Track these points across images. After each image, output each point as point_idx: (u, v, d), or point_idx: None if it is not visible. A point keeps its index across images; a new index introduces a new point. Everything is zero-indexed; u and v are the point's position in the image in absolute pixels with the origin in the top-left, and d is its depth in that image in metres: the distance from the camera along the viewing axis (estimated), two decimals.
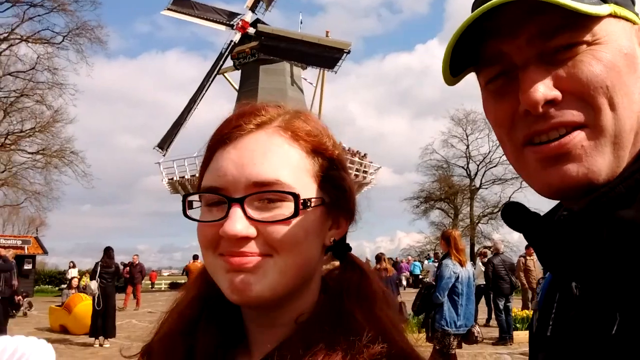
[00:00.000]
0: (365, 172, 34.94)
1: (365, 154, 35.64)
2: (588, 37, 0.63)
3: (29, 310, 18.50)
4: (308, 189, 0.75)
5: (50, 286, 33.73)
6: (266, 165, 0.72)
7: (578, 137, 0.62)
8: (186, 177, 32.81)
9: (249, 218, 0.70)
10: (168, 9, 36.20)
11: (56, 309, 14.55)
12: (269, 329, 0.78)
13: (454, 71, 0.70)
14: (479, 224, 44.38)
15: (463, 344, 6.70)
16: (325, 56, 34.25)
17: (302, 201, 0.72)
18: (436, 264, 10.96)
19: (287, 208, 0.72)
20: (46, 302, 19.40)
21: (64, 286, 20.63)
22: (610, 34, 0.64)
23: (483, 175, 43.94)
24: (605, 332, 0.59)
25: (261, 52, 34.79)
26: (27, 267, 26.33)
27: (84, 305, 12.95)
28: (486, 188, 44.59)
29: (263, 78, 35.47)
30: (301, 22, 39.88)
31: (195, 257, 18.29)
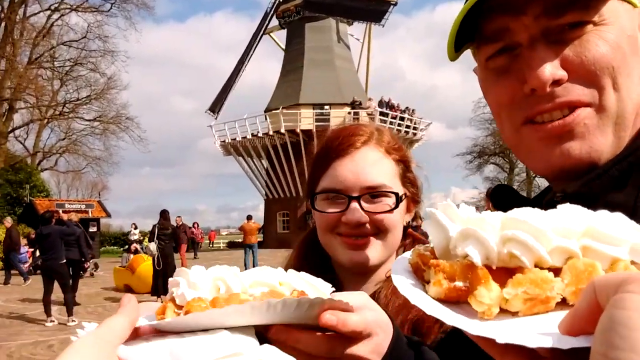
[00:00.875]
0: (415, 128, 34.37)
1: (413, 110, 34.96)
2: (595, 17, 0.62)
3: (95, 271, 19.48)
4: (398, 188, 1.08)
5: (115, 247, 35.39)
6: (374, 173, 1.05)
7: (582, 115, 0.62)
8: (237, 138, 33.23)
9: (363, 210, 1.02)
10: None
11: (120, 270, 15.26)
12: (365, 285, 1.10)
13: (455, 46, 0.70)
14: (536, 178, 43.12)
15: None
16: (372, 9, 33.42)
17: (400, 197, 1.06)
18: None
19: (389, 202, 1.04)
20: (111, 263, 20.39)
21: (125, 248, 21.58)
22: (615, 15, 0.64)
23: None
24: None
25: (306, 9, 34.28)
26: (92, 229, 27.60)
27: (145, 266, 13.53)
28: None
29: (309, 36, 35.02)
30: None
31: (249, 218, 18.64)
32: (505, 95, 0.67)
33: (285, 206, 33.47)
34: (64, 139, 37.01)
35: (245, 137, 32.85)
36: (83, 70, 35.58)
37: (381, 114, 31.74)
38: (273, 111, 32.45)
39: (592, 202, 0.59)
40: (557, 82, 0.62)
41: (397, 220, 1.07)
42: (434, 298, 0.42)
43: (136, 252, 18.10)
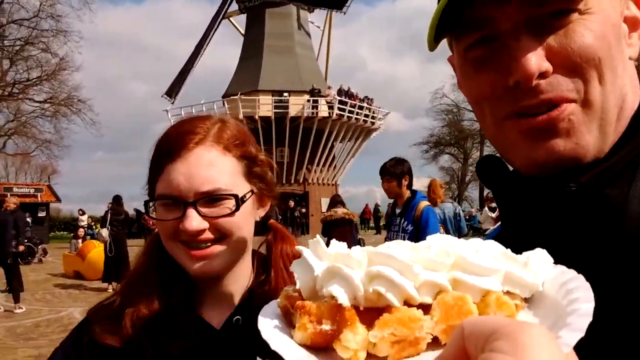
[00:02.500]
0: (373, 117, 34.66)
1: (372, 99, 35.23)
2: (580, 5, 0.60)
3: (43, 257, 18.99)
4: (241, 186, 1.01)
5: (65, 232, 34.50)
6: (209, 176, 0.96)
7: (567, 111, 0.60)
8: None
9: (201, 215, 0.95)
10: None
11: (70, 256, 14.94)
12: (222, 293, 1.06)
13: (435, 36, 0.67)
14: None
15: None
16: None
17: (240, 198, 0.99)
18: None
19: (229, 204, 0.97)
20: (61, 249, 19.88)
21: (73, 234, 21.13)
22: (600, 3, 0.62)
23: None
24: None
25: None
26: (41, 214, 26.83)
27: (96, 252, 13.28)
28: None
29: (269, 22, 34.70)
30: None
31: None
32: (486, 87, 0.64)
33: None
34: (12, 121, 35.57)
35: None
36: (34, 50, 34.16)
37: (340, 102, 31.85)
38: (231, 97, 32.12)
39: (605, 192, 0.60)
40: (542, 75, 0.60)
41: (242, 221, 0.99)
42: (299, 344, 0.37)
43: (84, 238, 17.70)
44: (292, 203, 18.09)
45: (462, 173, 46.10)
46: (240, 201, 0.98)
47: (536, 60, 0.59)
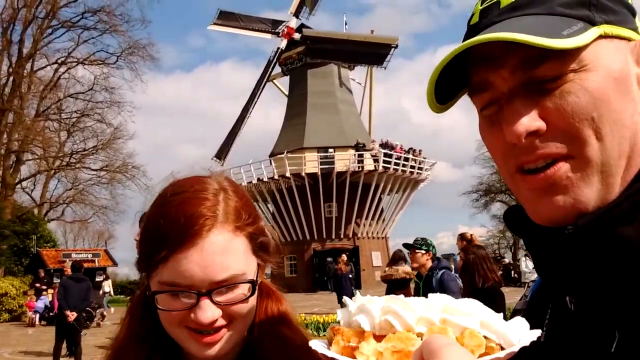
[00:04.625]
0: (420, 168, 34.50)
1: (420, 150, 35.20)
2: (574, 65, 0.60)
3: (101, 321, 19.27)
4: (252, 264, 0.93)
5: (122, 296, 35.11)
6: (224, 264, 0.87)
7: (563, 169, 0.61)
8: (243, 183, 33.31)
9: (215, 304, 0.88)
10: (214, 24, 37.09)
11: None
12: None
13: (446, 95, 0.70)
14: None
15: None
16: (373, 53, 34.10)
17: (255, 281, 0.92)
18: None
19: (244, 288, 0.90)
20: (118, 313, 20.16)
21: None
22: (599, 58, 0.61)
23: None
24: (604, 350, 0.60)
25: (307, 56, 35.02)
26: (99, 279, 27.49)
27: None
28: None
29: (311, 81, 35.66)
30: (346, 24, 39.78)
31: None
32: (496, 144, 0.67)
33: (292, 250, 33.29)
34: (70, 189, 37.27)
35: (250, 182, 33.01)
36: (90, 121, 36.17)
37: (385, 155, 31.94)
38: (278, 156, 32.72)
39: (602, 235, 0.61)
40: (535, 133, 0.61)
41: (253, 303, 0.93)
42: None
43: None
44: (344, 258, 17.88)
45: None
46: (255, 284, 0.91)
47: (526, 120, 0.61)
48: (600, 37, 0.61)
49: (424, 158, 35.16)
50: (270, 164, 32.75)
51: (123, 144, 36.51)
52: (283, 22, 36.06)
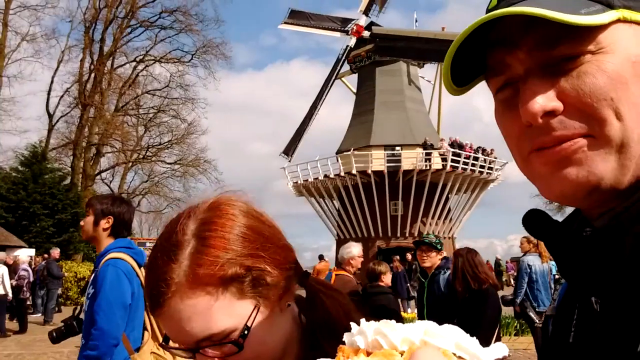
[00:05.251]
0: (490, 168, 33.62)
1: (491, 150, 34.28)
2: (591, 47, 0.60)
3: None
4: (242, 310, 0.82)
5: None
6: (195, 330, 0.80)
7: (579, 143, 0.61)
8: (309, 180, 33.77)
9: (210, 357, 0.82)
10: (285, 23, 37.62)
11: None
12: None
13: (463, 79, 0.70)
14: None
15: None
16: (443, 50, 33.06)
17: (241, 336, 0.81)
18: None
19: (234, 342, 0.81)
20: None
21: None
22: (617, 41, 0.61)
23: None
24: (630, 350, 0.59)
25: (376, 54, 34.89)
26: None
27: None
28: None
29: (379, 79, 35.50)
30: (416, 21, 39.32)
31: (321, 257, 18.80)
32: (511, 128, 0.67)
33: None
34: (146, 181, 39.14)
35: (317, 179, 33.33)
36: (165, 117, 37.79)
37: (454, 154, 31.37)
38: (344, 153, 32.84)
39: (621, 236, 0.61)
40: (551, 113, 0.61)
41: (258, 342, 0.84)
42: None
43: None
44: (409, 256, 17.78)
45: None
46: (245, 332, 0.81)
47: (542, 99, 0.60)
48: (619, 20, 0.61)
49: (495, 158, 34.21)
50: (337, 160, 32.90)
51: (196, 139, 37.97)
52: (352, 20, 36.09)
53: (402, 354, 0.60)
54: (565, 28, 0.58)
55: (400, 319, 0.68)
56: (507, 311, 9.61)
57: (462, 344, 0.61)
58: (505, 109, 0.67)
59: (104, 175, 37.75)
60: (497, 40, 0.64)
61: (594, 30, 0.60)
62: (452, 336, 0.61)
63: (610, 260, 0.61)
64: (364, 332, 0.63)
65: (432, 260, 4.97)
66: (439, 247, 4.99)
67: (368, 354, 0.62)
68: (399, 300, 15.36)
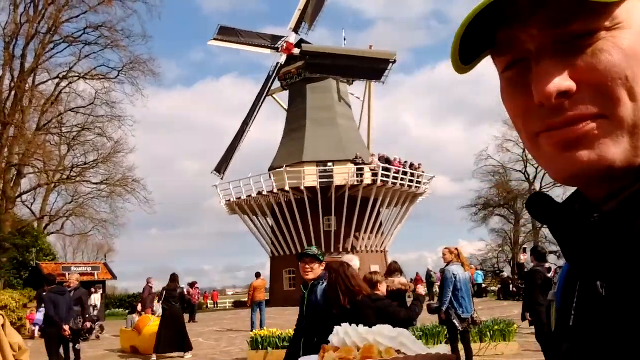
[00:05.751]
0: (418, 182, 34.69)
1: (419, 165, 35.40)
2: (607, 22, 0.58)
3: (100, 333, 19.32)
4: None
5: (121, 309, 35.06)
6: None
7: (591, 125, 0.59)
8: (242, 197, 33.52)
9: None
10: (214, 39, 37.39)
11: (127, 331, 15.17)
12: None
13: (468, 56, 0.68)
14: (542, 228, 43.01)
15: None
16: (371, 68, 34.41)
17: None
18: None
19: None
20: (117, 325, 20.21)
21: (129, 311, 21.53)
22: (633, 16, 0.59)
23: (543, 178, 42.53)
24: (636, 333, 0.58)
25: (307, 71, 35.35)
26: (99, 292, 27.53)
27: (153, 326, 13.47)
28: (547, 190, 43.14)
29: (310, 96, 35.95)
30: (344, 39, 40.12)
31: (258, 275, 18.66)
32: (519, 108, 0.65)
33: (291, 263, 33.33)
34: (70, 202, 37.38)
35: (250, 196, 33.13)
36: (90, 135, 36.36)
37: (384, 169, 32.14)
38: (277, 170, 32.90)
39: (630, 221, 0.60)
40: (565, 94, 0.59)
41: None
42: None
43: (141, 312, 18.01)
44: None
45: (514, 234, 44.94)
46: None
47: (556, 80, 0.59)
48: None
49: (423, 172, 35.36)
50: (270, 177, 32.92)
51: (123, 157, 36.67)
52: (282, 37, 36.40)
53: (359, 349, 0.81)
54: (579, 3, 0.57)
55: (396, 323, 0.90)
56: (434, 319, 9.95)
57: (406, 343, 0.80)
58: (513, 87, 0.65)
59: (25, 197, 35.76)
60: (508, 14, 0.62)
61: (609, 5, 0.58)
62: (399, 337, 0.81)
63: (618, 244, 0.60)
64: (338, 334, 0.86)
65: (316, 272, 5.12)
66: (321, 259, 5.09)
67: (335, 349, 0.83)
68: None
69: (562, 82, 0.58)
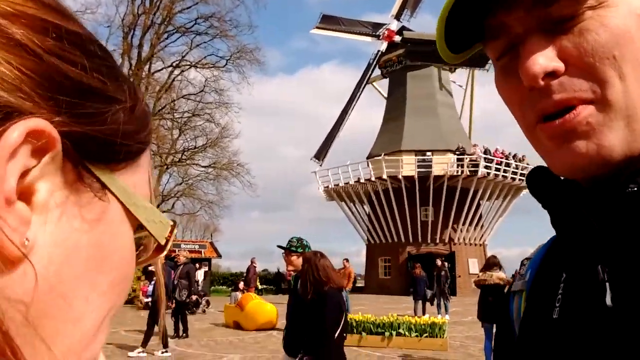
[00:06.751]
0: (523, 174, 33.30)
1: (523, 156, 33.97)
2: (592, 1, 0.56)
3: (206, 308, 20.67)
4: None
5: (224, 287, 37.06)
6: None
7: (583, 114, 0.57)
8: (340, 184, 34.03)
9: None
10: (317, 27, 37.99)
11: (230, 307, 16.10)
12: None
13: (460, 46, 0.67)
14: None
15: None
16: (474, 55, 32.93)
17: None
18: None
19: None
20: (221, 301, 21.51)
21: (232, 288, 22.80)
22: None
23: None
24: None
25: (407, 59, 34.97)
26: (204, 269, 29.33)
27: (254, 304, 14.26)
28: None
29: (411, 84, 35.57)
30: None
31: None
32: (513, 95, 0.63)
33: (386, 251, 33.45)
34: (181, 184, 39.91)
35: (347, 183, 33.56)
36: (199, 121, 38.45)
37: (485, 160, 31.20)
38: (375, 158, 33.02)
39: None
40: (552, 75, 0.57)
41: None
42: None
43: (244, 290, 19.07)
44: (439, 262, 17.85)
45: None
46: None
47: (542, 59, 0.57)
48: None
49: (528, 164, 33.88)
50: (368, 165, 33.11)
51: (229, 142, 38.42)
52: (384, 25, 36.29)
53: None
54: None
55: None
56: None
57: None
58: (506, 75, 0.63)
59: None
60: (494, 1, 0.60)
61: None
62: None
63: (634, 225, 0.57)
64: None
65: (294, 263, 5.05)
66: (299, 250, 5.07)
67: None
68: (415, 301, 16.89)
69: (549, 62, 0.57)
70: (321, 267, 4.66)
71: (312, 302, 4.49)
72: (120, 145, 0.35)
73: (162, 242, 0.41)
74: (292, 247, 5.12)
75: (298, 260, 5.08)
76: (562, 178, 0.66)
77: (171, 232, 0.41)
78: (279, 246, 5.35)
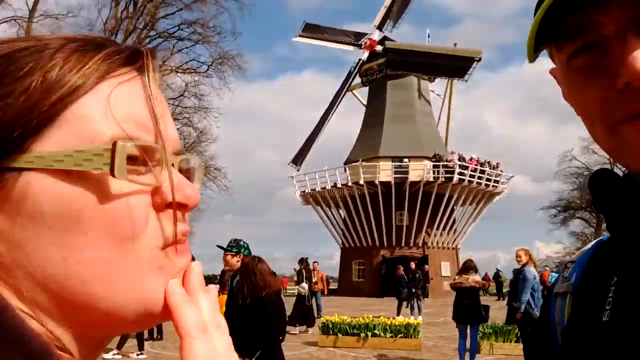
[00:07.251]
0: (496, 181, 34.23)
1: (497, 163, 34.86)
2: None
3: None
4: None
5: None
6: None
7: None
8: (317, 189, 34.48)
9: None
10: (299, 36, 38.52)
11: None
12: None
13: (535, 46, 0.65)
14: None
15: None
16: (454, 66, 34.11)
17: None
18: None
19: None
20: None
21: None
22: None
23: None
24: None
25: (388, 68, 35.56)
26: None
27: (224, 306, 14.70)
28: None
29: (390, 92, 36.18)
30: (429, 36, 39.86)
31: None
32: (595, 95, 0.60)
33: (361, 255, 33.99)
34: None
35: (324, 188, 33.95)
36: (177, 125, 38.51)
37: (461, 167, 32.01)
38: (353, 163, 33.57)
39: None
40: None
41: None
42: None
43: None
44: (413, 265, 18.42)
45: (595, 238, 42.77)
46: None
47: None
48: None
49: (501, 171, 34.81)
50: (345, 171, 33.62)
51: (207, 146, 38.68)
52: (366, 34, 36.90)
53: None
54: None
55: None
56: (503, 318, 9.93)
57: None
58: (585, 75, 0.61)
59: None
60: (585, 1, 0.58)
61: None
62: None
63: None
64: None
65: (229, 263, 5.20)
66: (233, 250, 5.21)
67: None
68: (400, 300, 17.35)
69: None
70: (258, 271, 4.60)
71: (250, 306, 4.47)
72: (8, 133, 0.35)
73: (107, 170, 0.38)
74: (228, 247, 5.24)
75: (233, 260, 5.18)
76: (624, 183, 0.66)
77: (113, 153, 0.38)
78: (218, 246, 5.42)
